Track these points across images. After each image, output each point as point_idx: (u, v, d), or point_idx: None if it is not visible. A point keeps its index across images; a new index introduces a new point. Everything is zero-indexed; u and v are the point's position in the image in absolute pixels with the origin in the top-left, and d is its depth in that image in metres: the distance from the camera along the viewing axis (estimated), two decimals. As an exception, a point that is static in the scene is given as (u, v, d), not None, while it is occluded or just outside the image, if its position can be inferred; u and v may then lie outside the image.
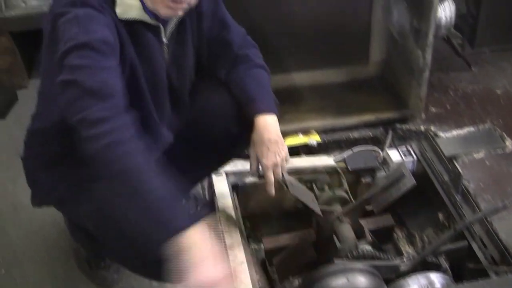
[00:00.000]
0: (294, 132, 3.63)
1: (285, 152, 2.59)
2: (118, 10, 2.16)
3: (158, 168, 1.98)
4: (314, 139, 3.60)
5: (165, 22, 2.33)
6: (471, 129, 3.67)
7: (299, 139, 3.62)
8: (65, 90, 1.99)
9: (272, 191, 2.60)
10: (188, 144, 2.73)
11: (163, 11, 2.19)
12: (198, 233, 1.92)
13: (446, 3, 3.86)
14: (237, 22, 2.68)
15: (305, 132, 3.63)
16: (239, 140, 2.66)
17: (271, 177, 2.57)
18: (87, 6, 2.08)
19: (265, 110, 2.54)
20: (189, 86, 2.64)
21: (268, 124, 2.52)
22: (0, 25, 4.07)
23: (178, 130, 2.69)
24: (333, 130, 3.72)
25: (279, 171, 2.58)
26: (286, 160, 2.61)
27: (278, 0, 3.76)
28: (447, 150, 3.43)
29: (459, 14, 4.14)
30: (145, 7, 2.20)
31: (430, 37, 3.40)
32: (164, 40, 2.37)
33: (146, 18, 2.23)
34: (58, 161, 2.42)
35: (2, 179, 3.62)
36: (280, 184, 2.75)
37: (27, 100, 4.15)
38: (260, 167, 2.61)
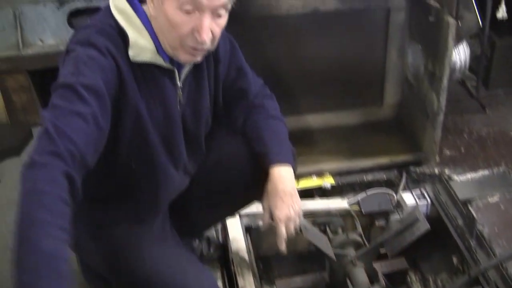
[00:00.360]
0: (308, 175, 3.64)
1: (299, 206, 2.53)
2: (131, 52, 2.16)
3: (60, 232, 1.80)
4: (328, 181, 3.60)
5: (180, 65, 2.32)
6: (485, 172, 3.66)
7: (313, 182, 3.62)
8: (41, 124, 1.96)
9: (283, 245, 2.51)
10: (204, 188, 2.72)
11: (183, 57, 2.20)
12: None
13: (460, 47, 3.87)
14: (252, 64, 2.68)
15: (319, 174, 3.63)
16: (255, 189, 2.61)
17: (283, 231, 2.49)
18: (92, 47, 2.08)
19: (281, 161, 2.51)
20: (205, 130, 2.62)
21: (282, 175, 2.49)
22: (17, 64, 4.08)
23: (194, 174, 2.68)
24: (347, 172, 3.72)
25: (292, 226, 2.51)
26: (299, 215, 2.55)
27: (293, 42, 3.78)
28: (461, 194, 3.42)
29: (473, 56, 4.15)
30: (159, 50, 2.21)
31: (445, 81, 3.41)
32: (179, 83, 2.35)
33: (160, 61, 2.23)
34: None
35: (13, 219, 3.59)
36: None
37: (42, 138, 4.18)
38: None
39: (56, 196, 1.82)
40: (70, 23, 4.10)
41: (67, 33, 4.07)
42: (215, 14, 2.12)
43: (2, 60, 4.06)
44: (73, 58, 2.06)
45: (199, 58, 2.26)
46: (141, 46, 2.17)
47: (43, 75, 4.24)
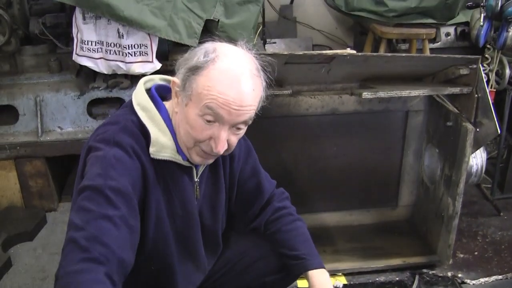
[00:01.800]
0: (320, 273, 3.61)
1: None
2: (152, 149, 2.18)
3: None
4: (340, 281, 3.58)
5: None
6: (499, 277, 3.62)
7: (325, 281, 3.60)
8: (68, 230, 1.97)
9: None
10: (221, 283, 2.75)
11: (195, 158, 2.23)
12: None
13: (477, 151, 3.87)
14: (269, 162, 2.72)
15: (332, 273, 3.60)
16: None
17: None
18: (118, 146, 2.11)
19: (317, 266, 2.55)
20: (221, 225, 2.64)
21: (323, 280, 2.53)
22: (36, 149, 4.14)
23: (210, 271, 2.69)
24: (359, 272, 3.68)
25: None
26: None
27: (310, 141, 3.82)
28: (474, 299, 3.40)
29: (489, 157, 4.14)
30: (178, 149, 2.24)
31: (461, 186, 3.41)
32: (196, 179, 2.38)
33: (179, 159, 2.26)
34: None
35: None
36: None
37: (56, 223, 4.21)
38: None
39: None
40: (89, 112, 4.16)
41: (86, 121, 4.14)
42: (235, 127, 2.17)
43: (21, 146, 4.11)
44: (100, 158, 2.08)
45: (210, 161, 2.30)
46: (162, 144, 2.20)
47: (60, 162, 4.29)
